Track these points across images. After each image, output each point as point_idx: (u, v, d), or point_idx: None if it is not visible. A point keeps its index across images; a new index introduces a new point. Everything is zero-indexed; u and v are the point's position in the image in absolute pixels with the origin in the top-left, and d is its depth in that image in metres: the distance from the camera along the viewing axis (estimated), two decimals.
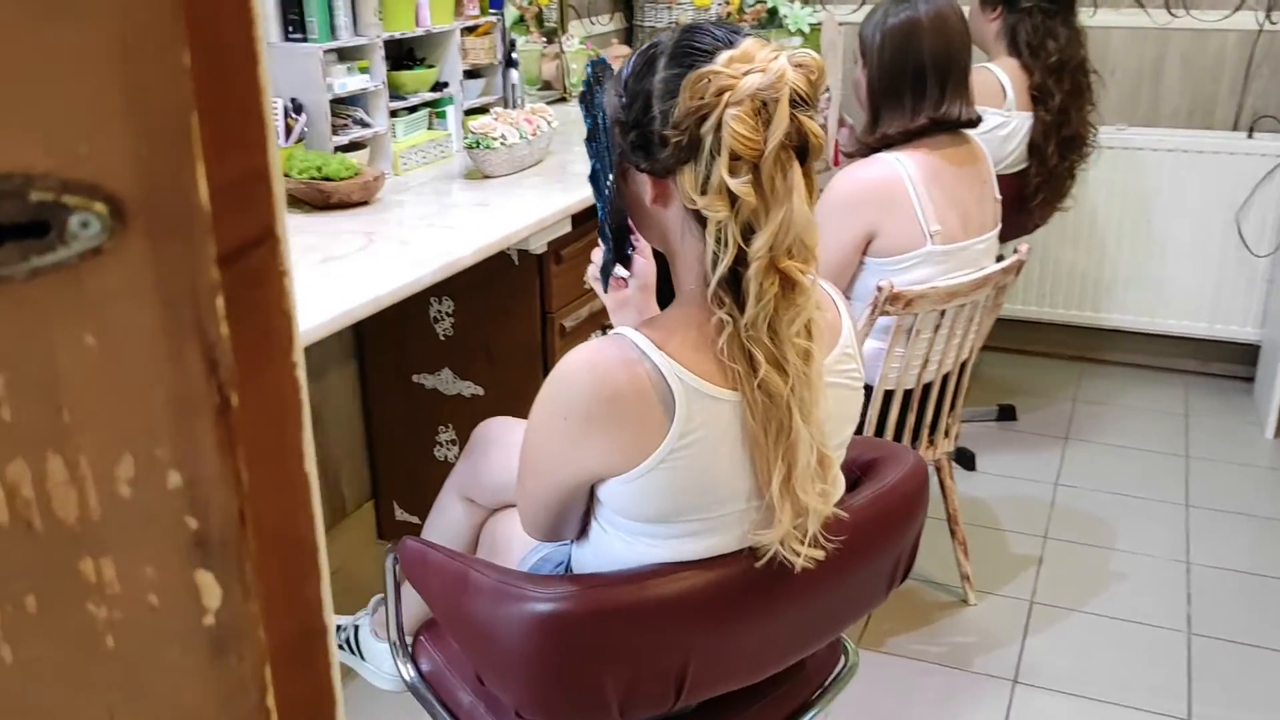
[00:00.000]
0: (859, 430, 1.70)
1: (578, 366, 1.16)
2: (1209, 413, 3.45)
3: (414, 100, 2.52)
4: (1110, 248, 3.62)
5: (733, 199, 1.08)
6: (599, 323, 2.54)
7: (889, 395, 2.09)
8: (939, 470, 2.41)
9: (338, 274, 1.76)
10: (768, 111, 1.07)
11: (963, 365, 2.23)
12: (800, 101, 1.09)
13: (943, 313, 2.05)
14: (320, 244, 1.93)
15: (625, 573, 1.21)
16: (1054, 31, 2.77)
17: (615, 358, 1.13)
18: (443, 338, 2.52)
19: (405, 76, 2.49)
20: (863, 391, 1.30)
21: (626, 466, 1.14)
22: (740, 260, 1.10)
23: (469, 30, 2.65)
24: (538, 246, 2.17)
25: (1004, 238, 2.54)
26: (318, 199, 2.12)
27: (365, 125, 2.37)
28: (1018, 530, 2.79)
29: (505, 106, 2.77)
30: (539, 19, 3.34)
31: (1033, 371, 3.78)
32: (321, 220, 2.08)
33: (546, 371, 2.43)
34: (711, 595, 1.18)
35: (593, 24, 3.56)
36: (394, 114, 2.47)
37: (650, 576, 1.19)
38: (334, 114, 2.33)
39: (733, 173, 1.07)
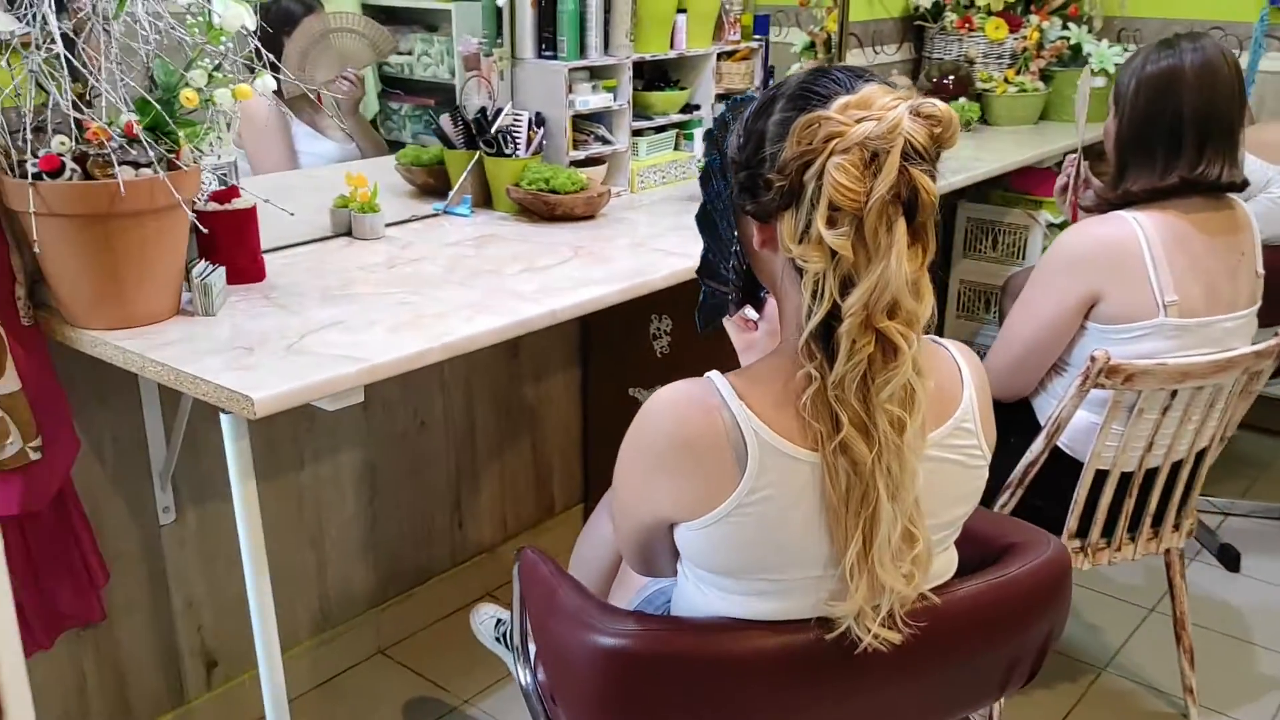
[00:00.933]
0: (986, 502, 1.56)
1: (659, 406, 1.14)
2: None
3: (661, 120, 2.56)
4: None
5: (831, 251, 1.03)
6: None
7: (1102, 476, 1.90)
8: (1168, 566, 2.16)
9: (523, 284, 1.82)
10: (878, 163, 1.01)
11: (1200, 454, 1.98)
12: (915, 155, 1.02)
13: (1173, 393, 1.84)
14: (528, 253, 2.01)
15: (694, 620, 1.18)
16: None
17: (696, 402, 1.11)
18: (659, 355, 2.55)
19: (654, 97, 2.54)
20: (983, 471, 1.19)
21: (697, 513, 1.11)
22: (835, 315, 1.04)
23: (727, 55, 2.66)
24: None
25: (1270, 321, 2.26)
26: (543, 210, 2.21)
27: (606, 142, 2.44)
28: (1273, 647, 2.45)
29: None
30: (828, 44, 3.31)
31: None
32: (543, 230, 2.16)
33: None
34: (776, 658, 1.12)
35: (877, 53, 3.48)
36: (639, 133, 2.53)
37: (715, 629, 1.15)
38: (577, 129, 2.42)
39: (831, 223, 1.02)
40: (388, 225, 2.16)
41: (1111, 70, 3.41)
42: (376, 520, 2.34)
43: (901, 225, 1.02)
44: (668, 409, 1.13)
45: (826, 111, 1.02)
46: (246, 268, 1.80)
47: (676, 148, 2.64)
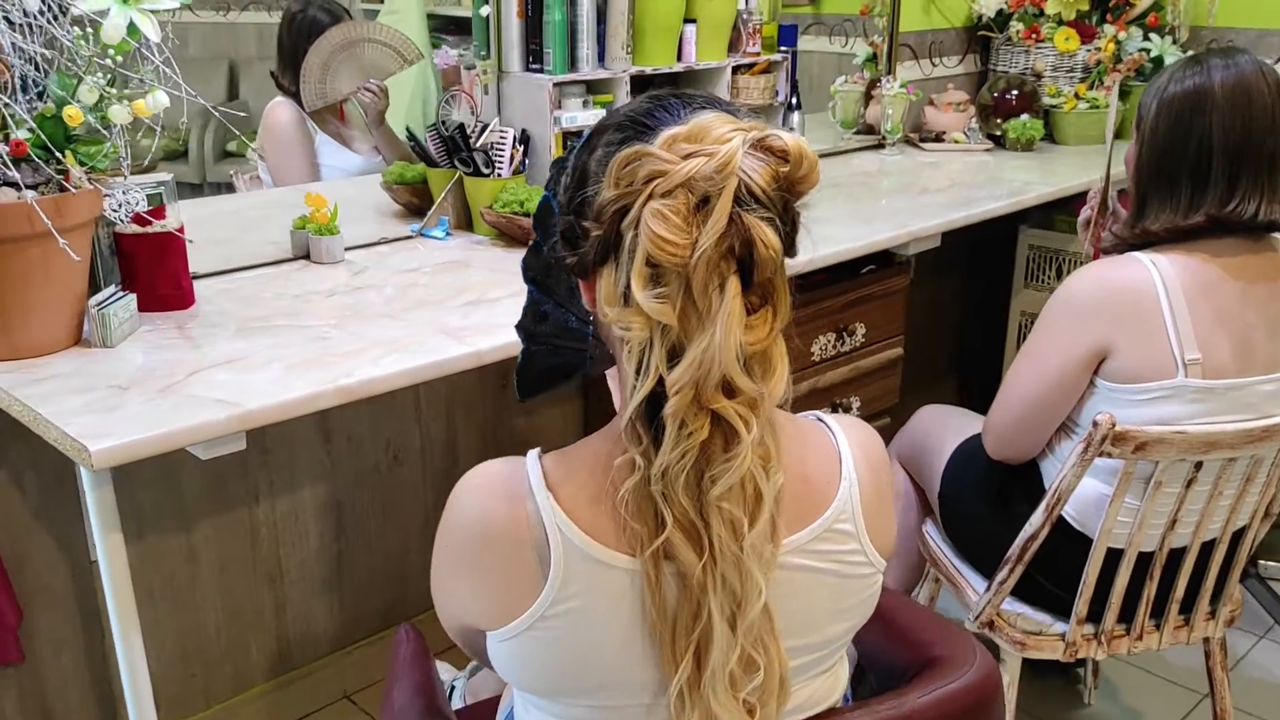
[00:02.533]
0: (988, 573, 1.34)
1: (463, 491, 0.97)
2: None
3: None
4: None
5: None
6: (814, 402, 2.27)
7: (1116, 555, 1.65)
8: (1207, 656, 1.88)
9: (459, 320, 1.67)
10: (707, 209, 0.82)
11: (1239, 533, 1.71)
12: (752, 199, 0.82)
13: (1198, 465, 1.58)
14: (487, 282, 1.86)
15: None
16: None
17: (500, 490, 0.93)
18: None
19: None
20: (873, 580, 0.99)
21: (497, 623, 0.93)
22: (664, 392, 0.85)
23: (744, 68, 2.47)
24: None
25: None
26: (518, 234, 2.06)
27: None
28: None
29: None
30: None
31: None
32: (515, 256, 2.01)
33: None
34: None
35: (935, 65, 3.23)
36: None
37: None
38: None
39: (649, 282, 0.83)
40: (355, 247, 2.04)
41: None
42: (343, 558, 2.22)
43: (734, 286, 0.83)
44: (471, 497, 0.95)
45: (649, 146, 0.84)
46: (168, 295, 1.69)
47: None
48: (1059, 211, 3.15)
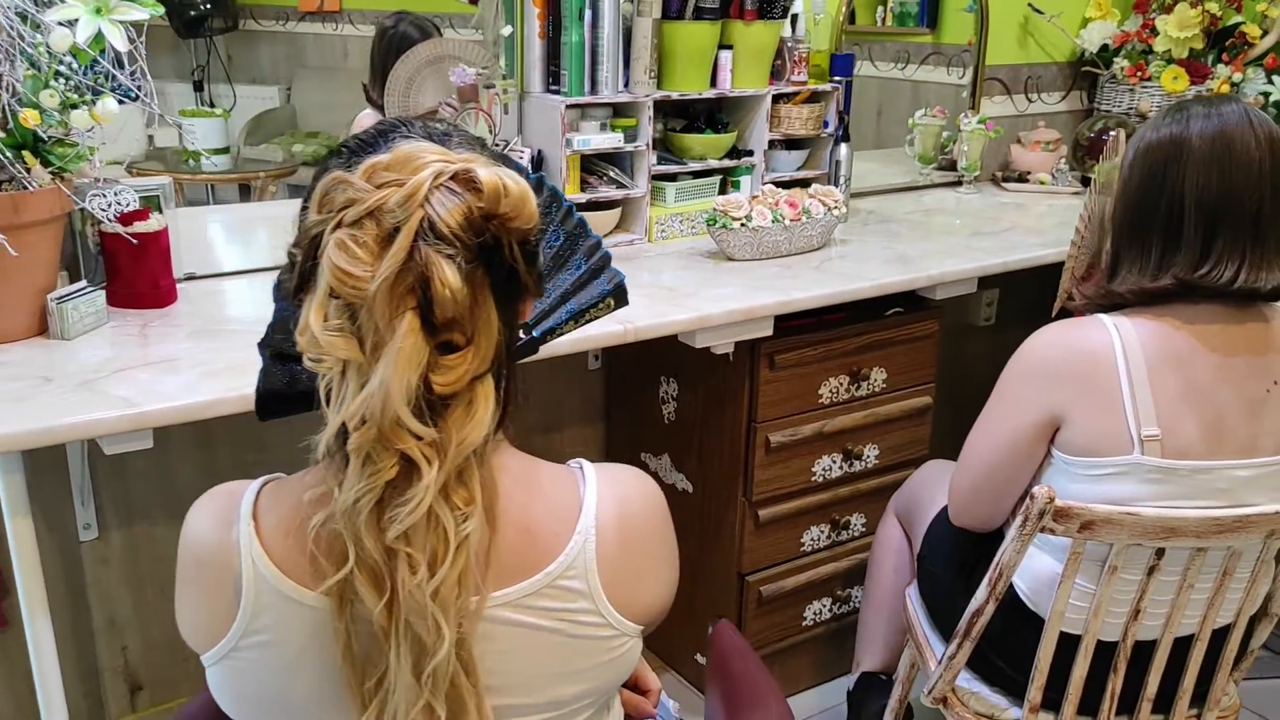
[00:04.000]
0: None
1: (194, 507, 0.96)
2: None
3: (697, 165, 2.33)
4: None
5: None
6: (821, 446, 2.17)
7: (1072, 641, 1.50)
8: None
9: None
10: (393, 241, 0.79)
11: (1223, 631, 1.53)
12: (436, 235, 0.79)
13: (1160, 552, 1.42)
14: None
15: None
16: None
17: (218, 510, 0.92)
18: (667, 421, 2.33)
19: (690, 139, 2.32)
20: (613, 643, 0.92)
21: (203, 644, 0.92)
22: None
23: (786, 97, 2.39)
24: (702, 343, 1.89)
25: None
26: None
27: (620, 185, 2.24)
28: None
29: (829, 183, 2.47)
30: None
31: None
32: None
33: (746, 486, 2.13)
34: None
35: (1031, 100, 3.05)
36: (670, 177, 2.32)
37: None
38: (590, 171, 2.24)
39: (332, 313, 0.81)
40: None
41: None
42: None
43: (410, 323, 0.79)
44: (194, 515, 0.95)
45: (349, 173, 0.81)
46: (145, 293, 1.77)
47: (723, 195, 2.40)
48: None
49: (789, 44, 2.38)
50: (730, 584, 2.21)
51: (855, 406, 2.19)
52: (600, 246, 1.20)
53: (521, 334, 1.16)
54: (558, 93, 2.16)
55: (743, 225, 2.11)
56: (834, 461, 2.20)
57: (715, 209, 2.13)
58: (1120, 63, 2.97)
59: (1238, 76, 2.88)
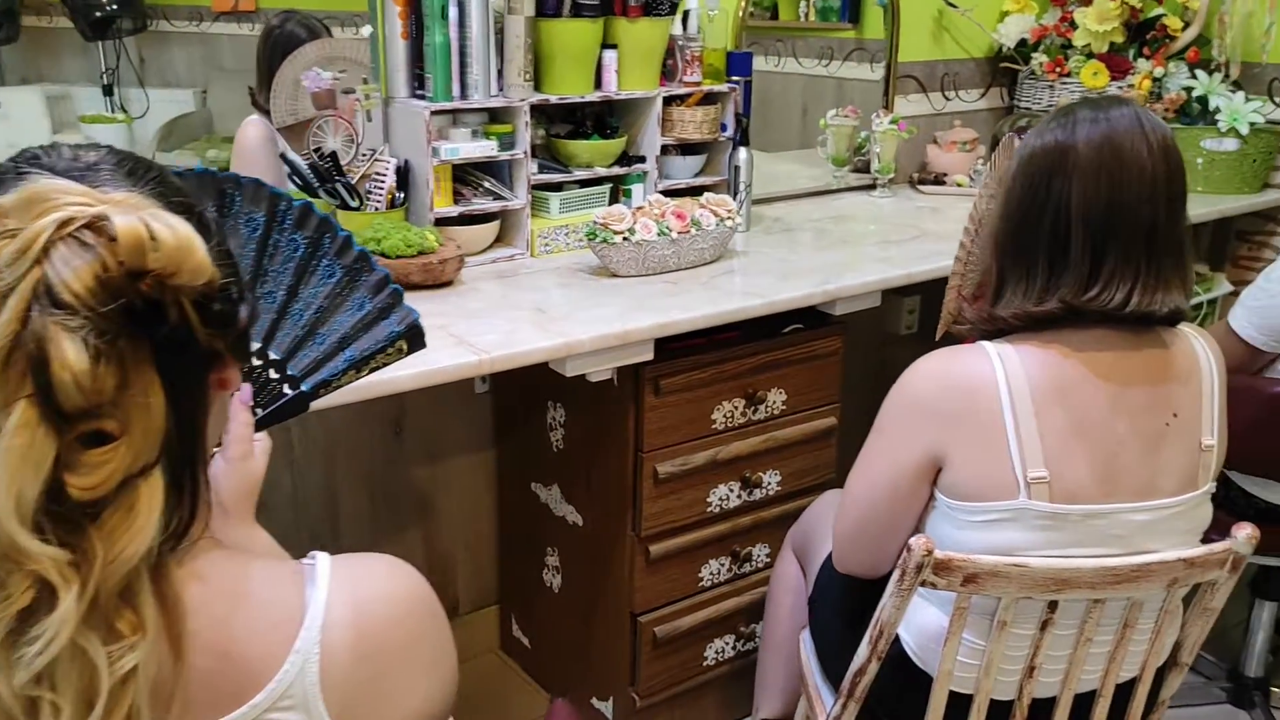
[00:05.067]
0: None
1: None
2: None
3: (582, 174, 2.17)
4: None
5: None
6: (717, 475, 2.02)
7: (965, 701, 1.36)
8: None
9: None
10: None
11: (1128, 685, 1.39)
12: (55, 301, 0.62)
13: (1052, 605, 1.28)
14: None
15: None
16: None
17: None
18: (555, 449, 2.16)
19: (577, 146, 2.16)
20: None
21: None
22: None
23: (679, 99, 2.24)
24: (575, 371, 1.73)
25: None
26: None
27: (497, 196, 2.08)
28: None
29: (728, 190, 2.33)
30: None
31: None
32: None
33: (635, 521, 1.98)
34: None
35: (948, 99, 2.92)
36: (556, 187, 2.15)
37: None
38: (464, 181, 2.07)
39: None
40: None
41: (1245, 131, 2.70)
42: None
43: (23, 415, 0.62)
44: None
45: None
46: None
47: (614, 204, 2.23)
48: None
49: (680, 42, 2.22)
50: (623, 625, 2.05)
51: (752, 431, 2.04)
52: (388, 282, 1.03)
53: (287, 389, 1.00)
54: (423, 98, 1.99)
55: (625, 239, 1.96)
56: (731, 490, 2.05)
57: (595, 222, 1.97)
58: (1039, 58, 2.84)
59: (1159, 71, 2.77)
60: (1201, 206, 2.70)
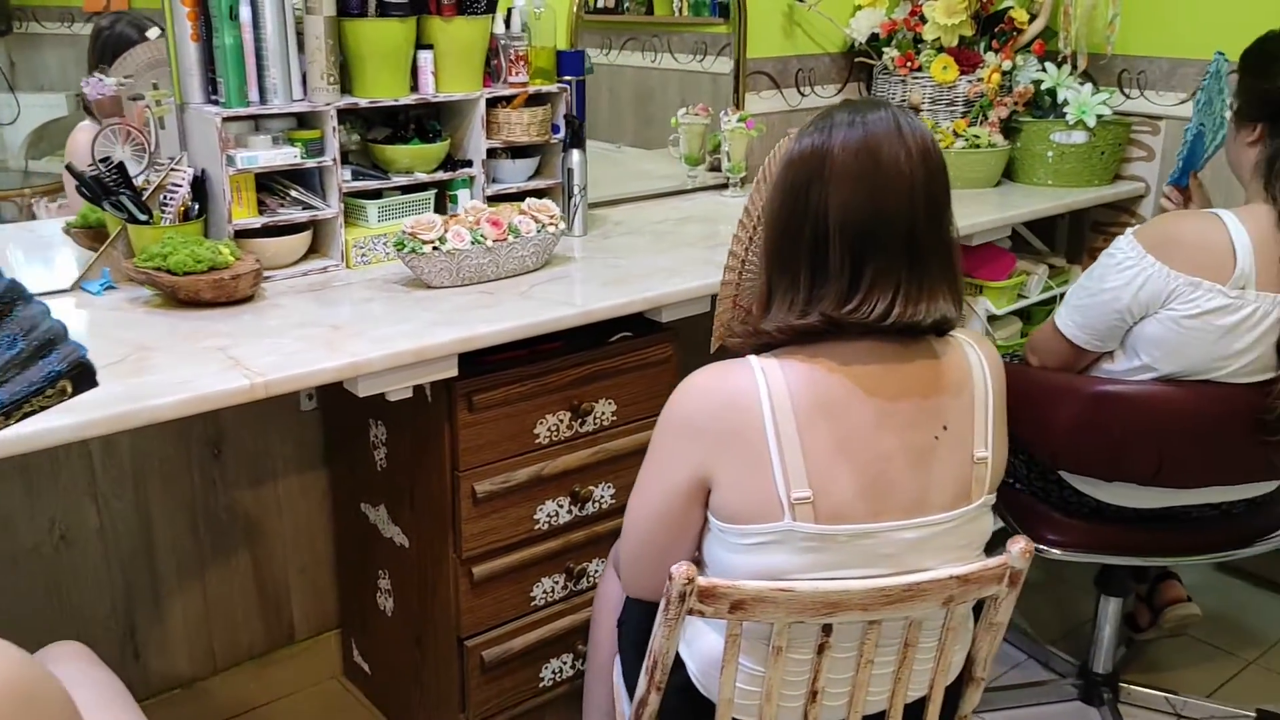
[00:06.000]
0: None
1: None
2: None
3: (402, 180, 2.08)
4: None
5: None
6: (543, 491, 1.94)
7: None
8: None
9: None
10: None
11: (917, 705, 1.35)
12: None
13: (827, 628, 1.22)
14: (135, 343, 1.59)
15: None
16: None
17: None
18: (379, 468, 2.08)
19: (395, 151, 2.07)
20: None
21: None
22: None
23: (505, 100, 2.16)
24: (369, 390, 1.64)
25: (1228, 479, 1.77)
26: (169, 293, 1.78)
27: (307, 206, 1.98)
28: None
29: (562, 194, 2.25)
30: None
31: None
32: (175, 319, 1.72)
33: (456, 542, 1.89)
34: None
35: (804, 94, 2.88)
36: (375, 194, 2.06)
37: None
38: (269, 190, 1.97)
39: None
40: None
41: (1092, 124, 2.70)
42: None
43: None
44: None
45: None
46: None
47: (440, 212, 2.15)
48: None
49: (502, 42, 2.14)
50: (451, 650, 1.97)
51: (581, 444, 1.97)
52: (46, 316, 0.94)
53: None
54: (218, 103, 1.88)
55: (435, 249, 1.87)
56: (561, 506, 1.98)
57: (404, 231, 1.88)
58: (890, 52, 2.81)
59: (1008, 64, 2.75)
60: (1051, 199, 2.69)
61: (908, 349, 1.22)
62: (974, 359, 1.27)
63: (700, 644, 1.33)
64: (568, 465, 1.96)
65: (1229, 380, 1.77)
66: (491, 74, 2.17)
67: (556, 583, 2.03)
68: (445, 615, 1.96)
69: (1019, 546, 1.23)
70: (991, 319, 2.65)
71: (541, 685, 2.07)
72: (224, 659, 2.24)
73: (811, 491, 1.18)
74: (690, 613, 1.20)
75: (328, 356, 1.59)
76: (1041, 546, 2.03)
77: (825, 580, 1.19)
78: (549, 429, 1.93)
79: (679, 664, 1.37)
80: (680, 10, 3.16)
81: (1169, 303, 1.75)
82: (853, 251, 1.17)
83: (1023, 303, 2.71)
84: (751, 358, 1.23)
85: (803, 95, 2.89)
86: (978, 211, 2.57)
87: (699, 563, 1.35)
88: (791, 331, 1.20)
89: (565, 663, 2.09)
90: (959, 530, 1.25)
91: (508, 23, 2.15)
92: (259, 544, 2.23)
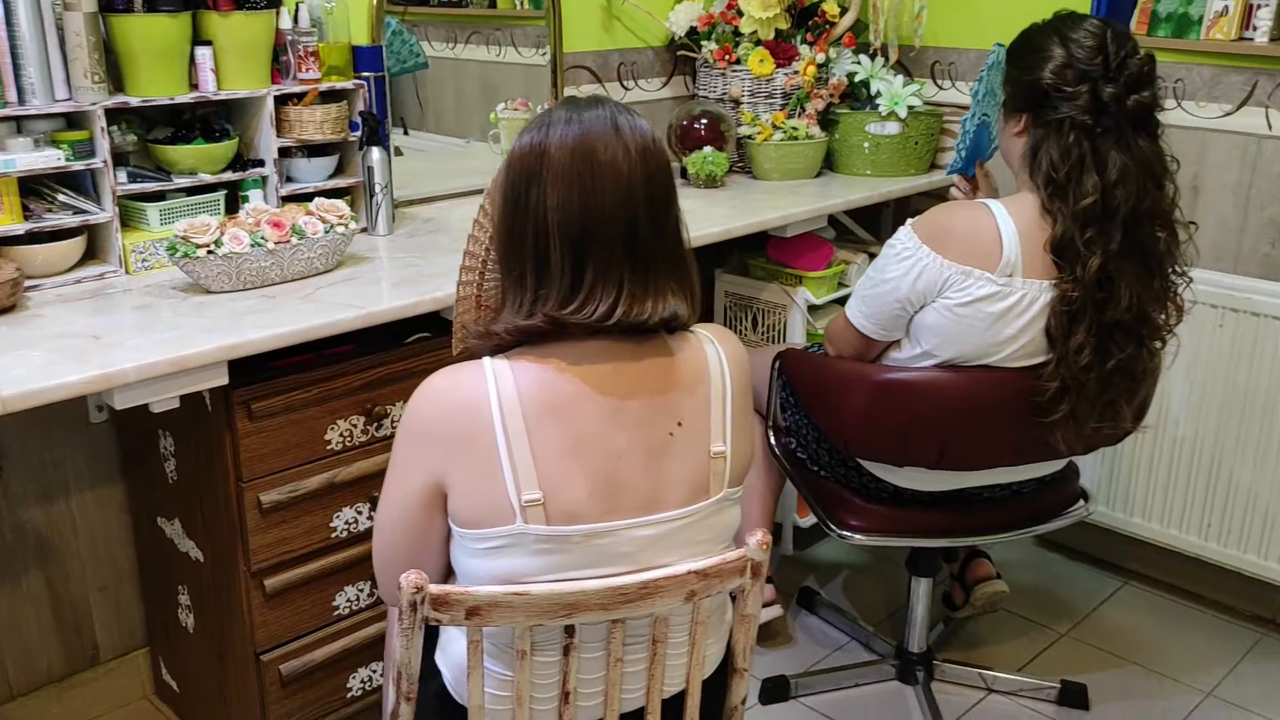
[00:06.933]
0: None
1: None
2: None
3: (186, 181, 2.01)
4: None
5: None
6: (338, 498, 1.90)
7: None
8: None
9: None
10: None
11: (679, 700, 1.35)
12: None
13: (570, 629, 1.22)
14: None
15: None
16: (1101, 158, 1.72)
17: None
18: (171, 480, 2.00)
19: (177, 151, 2.00)
20: None
21: None
22: None
23: (296, 97, 2.10)
24: (126, 403, 1.58)
25: (1011, 460, 1.84)
26: None
27: (78, 211, 1.90)
28: None
29: (364, 192, 2.20)
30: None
31: (1176, 627, 2.57)
32: None
33: (246, 555, 1.84)
34: None
35: (627, 88, 2.87)
36: (157, 196, 1.98)
37: None
38: (36, 195, 1.89)
39: None
40: None
41: (904, 115, 2.75)
42: None
43: None
44: None
45: None
46: None
47: (231, 213, 2.07)
48: (752, 255, 2.80)
49: (290, 37, 2.08)
50: (249, 665, 1.92)
51: (377, 449, 1.93)
52: None
53: None
54: None
55: (210, 253, 1.81)
56: (360, 513, 1.94)
57: (176, 235, 1.81)
58: (709, 46, 2.82)
59: (822, 57, 2.78)
60: (868, 189, 2.73)
61: (640, 347, 1.22)
62: (712, 355, 1.27)
63: (452, 650, 1.31)
64: (363, 471, 1.92)
65: (1004, 365, 1.82)
66: (282, 70, 2.11)
67: (361, 590, 1.99)
68: (241, 630, 1.91)
69: (756, 538, 1.23)
70: (812, 308, 2.68)
71: (350, 695, 2.03)
72: (20, 684, 2.14)
73: (542, 493, 1.17)
74: (426, 621, 1.18)
75: (76, 369, 1.52)
76: (845, 532, 2.06)
77: (562, 581, 1.18)
78: (341, 434, 1.89)
79: (435, 672, 1.35)
80: (522, 4, 3.14)
81: (944, 291, 1.79)
82: (573, 251, 1.16)
83: (843, 291, 2.75)
84: (486, 360, 1.21)
85: (626, 89, 2.88)
86: (794, 203, 2.60)
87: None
88: (518, 332, 1.19)
89: (375, 671, 2.05)
90: (699, 525, 1.25)
91: (296, 18, 2.09)
92: (53, 563, 2.14)
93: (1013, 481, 2.01)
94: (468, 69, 2.98)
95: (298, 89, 2.10)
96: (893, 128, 2.77)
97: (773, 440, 2.24)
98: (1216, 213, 2.48)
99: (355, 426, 1.90)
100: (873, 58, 2.82)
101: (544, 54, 2.81)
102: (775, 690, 2.31)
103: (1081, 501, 2.17)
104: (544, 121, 1.19)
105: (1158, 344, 1.83)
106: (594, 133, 1.15)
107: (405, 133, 2.75)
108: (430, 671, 1.34)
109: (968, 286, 1.77)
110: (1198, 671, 2.41)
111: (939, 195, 2.95)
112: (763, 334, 2.80)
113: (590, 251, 1.15)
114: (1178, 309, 1.83)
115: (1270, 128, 2.37)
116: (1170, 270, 1.80)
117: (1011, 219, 1.77)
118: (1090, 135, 1.72)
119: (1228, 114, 2.42)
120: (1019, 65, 1.83)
